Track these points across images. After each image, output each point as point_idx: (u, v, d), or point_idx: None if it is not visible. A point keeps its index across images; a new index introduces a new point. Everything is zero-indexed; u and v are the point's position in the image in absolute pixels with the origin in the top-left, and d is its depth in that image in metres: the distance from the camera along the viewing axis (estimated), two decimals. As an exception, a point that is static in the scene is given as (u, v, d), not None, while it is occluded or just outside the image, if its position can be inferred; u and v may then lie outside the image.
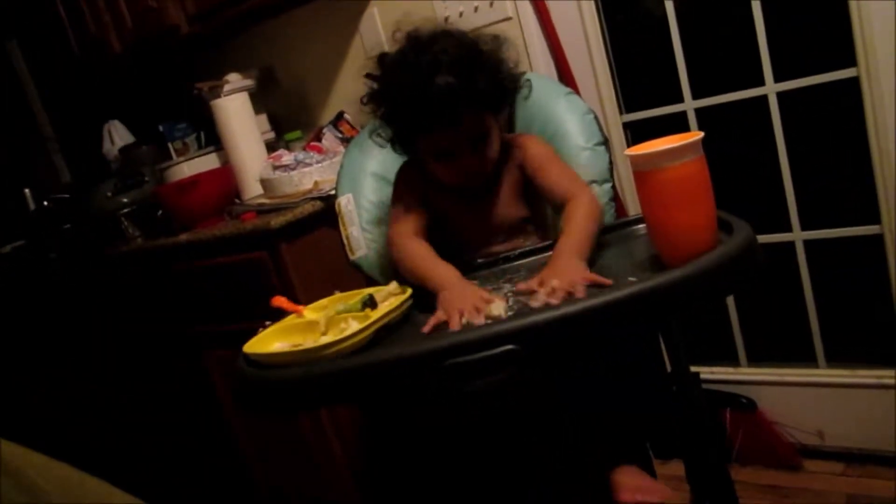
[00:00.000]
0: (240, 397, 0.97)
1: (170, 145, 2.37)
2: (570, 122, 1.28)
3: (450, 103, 1.04)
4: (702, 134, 0.87)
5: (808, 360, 1.82)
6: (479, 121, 1.09)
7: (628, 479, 1.12)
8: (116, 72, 2.53)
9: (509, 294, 0.98)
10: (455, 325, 0.91)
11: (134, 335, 2.30)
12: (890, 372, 1.68)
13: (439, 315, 0.95)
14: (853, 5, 1.49)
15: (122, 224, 2.20)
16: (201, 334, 2.06)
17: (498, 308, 0.92)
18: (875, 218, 1.62)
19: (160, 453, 2.27)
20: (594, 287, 0.90)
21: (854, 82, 1.56)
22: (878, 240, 1.63)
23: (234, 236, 1.82)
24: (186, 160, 2.27)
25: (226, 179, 2.12)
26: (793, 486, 1.73)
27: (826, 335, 1.78)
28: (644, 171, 0.88)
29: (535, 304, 0.90)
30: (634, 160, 0.89)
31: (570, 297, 0.88)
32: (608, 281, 0.90)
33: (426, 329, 0.93)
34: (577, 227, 1.04)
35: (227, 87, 2.13)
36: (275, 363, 0.92)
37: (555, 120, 1.28)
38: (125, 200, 2.25)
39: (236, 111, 2.12)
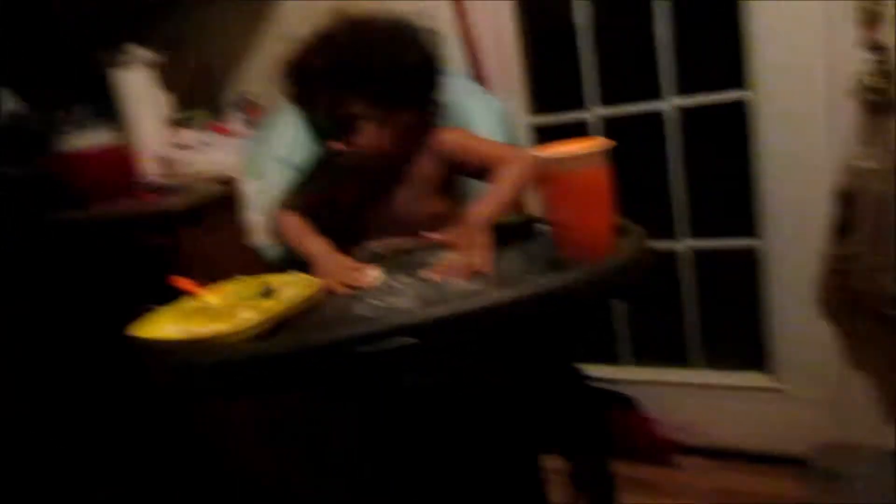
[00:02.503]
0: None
1: (62, 116, 2.24)
2: (483, 121, 1.30)
3: (307, 80, 1.08)
4: (612, 143, 0.90)
5: (688, 362, 1.93)
6: (339, 103, 1.07)
7: None
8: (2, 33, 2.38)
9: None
10: (340, 291, 0.98)
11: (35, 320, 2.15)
12: (758, 375, 1.82)
13: (323, 287, 1.00)
14: (748, 35, 1.60)
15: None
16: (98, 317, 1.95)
17: (371, 274, 0.99)
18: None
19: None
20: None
21: (741, 106, 1.67)
22: (758, 252, 1.75)
23: (131, 216, 1.75)
24: (80, 133, 2.16)
25: (123, 156, 2.03)
26: (665, 480, 1.84)
27: (706, 339, 1.90)
28: (552, 173, 0.91)
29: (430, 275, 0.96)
30: (543, 162, 0.92)
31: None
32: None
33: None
34: (494, 191, 1.06)
35: (128, 59, 2.04)
36: (161, 350, 0.88)
37: (466, 118, 1.30)
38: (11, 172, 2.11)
39: (137, 85, 2.03)
